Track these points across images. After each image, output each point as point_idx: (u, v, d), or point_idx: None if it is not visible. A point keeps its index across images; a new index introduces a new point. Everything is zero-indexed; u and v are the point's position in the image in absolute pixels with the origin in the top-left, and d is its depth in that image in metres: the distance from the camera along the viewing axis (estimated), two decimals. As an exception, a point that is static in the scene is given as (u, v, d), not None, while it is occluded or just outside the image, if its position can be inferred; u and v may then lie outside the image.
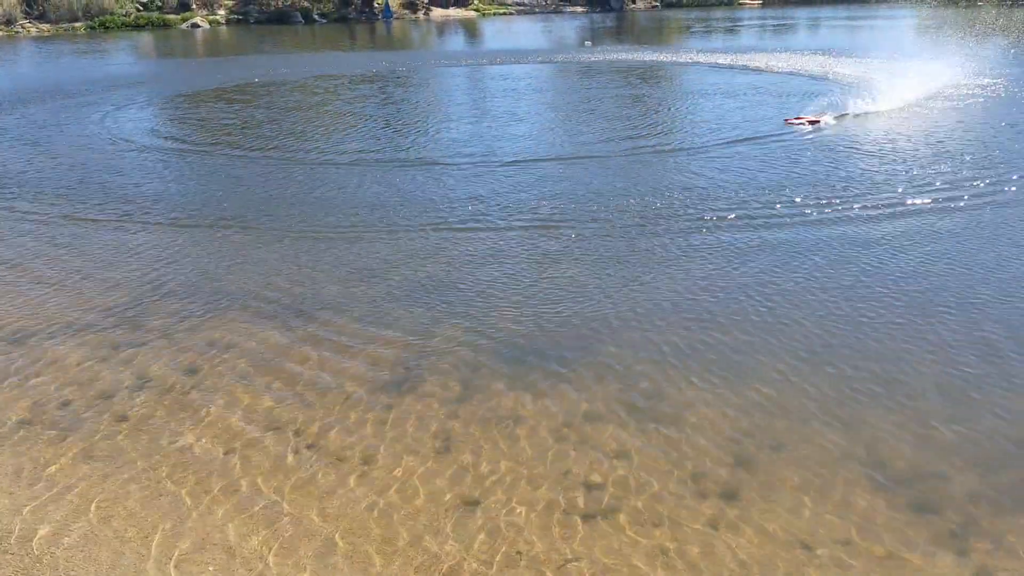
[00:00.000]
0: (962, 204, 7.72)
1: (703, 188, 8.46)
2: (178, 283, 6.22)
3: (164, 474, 3.90)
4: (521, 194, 8.46)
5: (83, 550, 3.39)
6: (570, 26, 39.99)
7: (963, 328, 5.17)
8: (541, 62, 22.24)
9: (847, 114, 12.33)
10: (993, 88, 14.65)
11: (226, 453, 4.06)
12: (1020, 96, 13.86)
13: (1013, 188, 8.15)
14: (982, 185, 8.27)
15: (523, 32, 36.56)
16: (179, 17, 37.27)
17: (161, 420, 4.37)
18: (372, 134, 12.34)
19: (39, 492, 3.78)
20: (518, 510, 3.59)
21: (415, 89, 17.86)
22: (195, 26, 36.58)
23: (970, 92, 14.20)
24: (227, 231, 7.50)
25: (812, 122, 11.69)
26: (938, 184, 8.34)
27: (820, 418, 4.25)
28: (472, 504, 3.64)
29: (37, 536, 3.48)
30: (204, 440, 4.17)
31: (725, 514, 3.54)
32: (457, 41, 33.35)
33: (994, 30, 28.83)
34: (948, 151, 9.78)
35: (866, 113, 12.44)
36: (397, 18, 44.40)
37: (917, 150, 9.88)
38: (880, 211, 7.57)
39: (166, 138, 12.31)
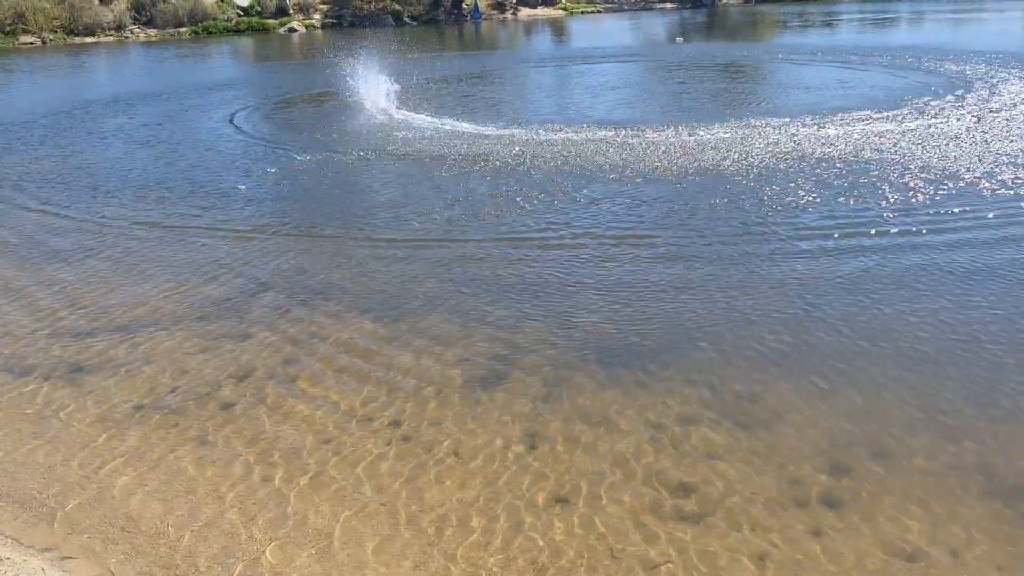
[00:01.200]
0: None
1: (802, 194, 8.23)
2: (279, 281, 6.44)
3: (266, 460, 4.05)
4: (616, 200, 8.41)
5: (194, 531, 3.56)
6: (660, 22, 39.48)
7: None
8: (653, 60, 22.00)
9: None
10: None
11: (324, 442, 4.19)
12: None
13: None
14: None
15: (615, 30, 36.29)
16: (277, 22, 38.54)
17: (262, 409, 4.54)
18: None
19: (151, 475, 3.98)
20: (609, 509, 3.58)
21: (517, 86, 17.94)
22: (292, 30, 37.76)
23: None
24: (322, 235, 7.72)
25: None
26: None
27: (926, 427, 4.08)
28: (562, 501, 3.65)
29: (154, 518, 3.67)
30: (302, 429, 4.31)
31: (825, 521, 3.44)
32: (549, 40, 33.37)
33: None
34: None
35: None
36: (485, 18, 44.76)
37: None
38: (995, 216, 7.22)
39: (281, 139, 12.72)
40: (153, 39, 35.10)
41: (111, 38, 34.43)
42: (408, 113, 13.95)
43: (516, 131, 11.94)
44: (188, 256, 7.06)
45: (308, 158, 10.80)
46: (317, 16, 40.78)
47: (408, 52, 23.12)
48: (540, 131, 11.82)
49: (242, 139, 12.60)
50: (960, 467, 3.76)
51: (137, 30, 35.84)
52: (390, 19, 40.94)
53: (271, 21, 38.79)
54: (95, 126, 14.12)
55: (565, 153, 10.29)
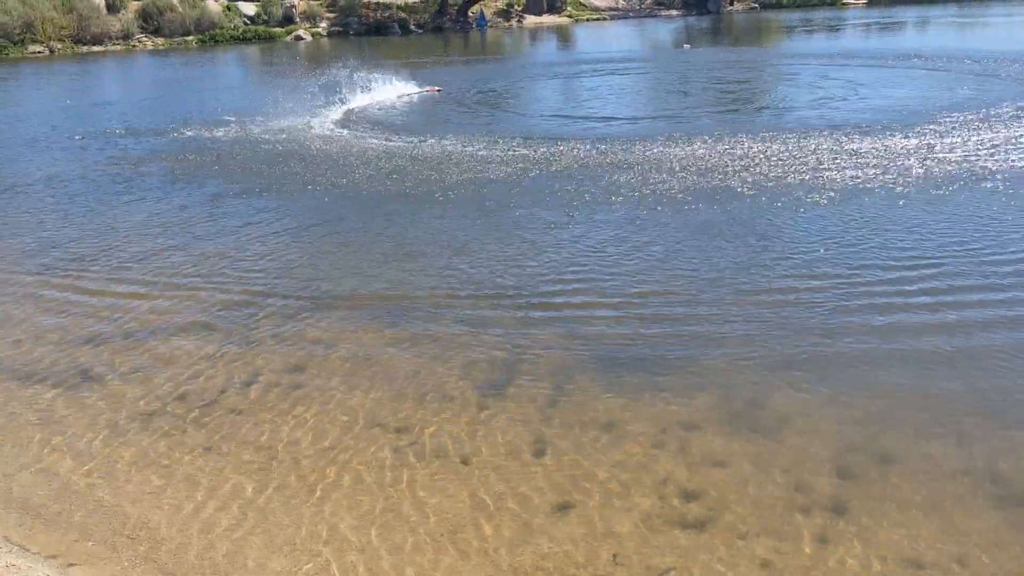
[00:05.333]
0: None
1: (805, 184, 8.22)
2: (284, 286, 6.45)
3: (274, 467, 4.06)
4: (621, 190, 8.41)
5: (201, 539, 3.56)
6: (666, 29, 39.53)
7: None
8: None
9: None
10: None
11: (330, 448, 4.19)
12: None
13: None
14: None
15: (622, 36, 36.35)
16: (284, 30, 38.71)
17: (269, 416, 4.54)
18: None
19: (157, 482, 3.99)
20: (614, 516, 3.57)
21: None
22: (298, 38, 37.93)
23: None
24: (327, 237, 7.74)
25: None
26: None
27: (933, 431, 4.07)
28: (567, 507, 3.64)
29: (160, 525, 3.68)
30: (309, 435, 4.32)
31: (830, 527, 3.43)
32: (556, 47, 33.44)
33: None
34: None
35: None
36: (491, 26, 44.88)
37: None
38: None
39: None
40: (160, 48, 35.28)
41: (119, 47, 34.62)
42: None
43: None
44: (196, 257, 7.08)
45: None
46: (323, 24, 40.95)
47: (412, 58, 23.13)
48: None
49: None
50: (969, 472, 3.74)
51: (144, 39, 36.02)
52: (396, 27, 41.07)
53: (277, 30, 38.95)
54: None
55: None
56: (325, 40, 38.32)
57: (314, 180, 9.90)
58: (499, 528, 3.54)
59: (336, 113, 14.97)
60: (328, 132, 13.27)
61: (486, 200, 8.66)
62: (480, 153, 11.06)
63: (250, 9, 39.59)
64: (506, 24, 45.80)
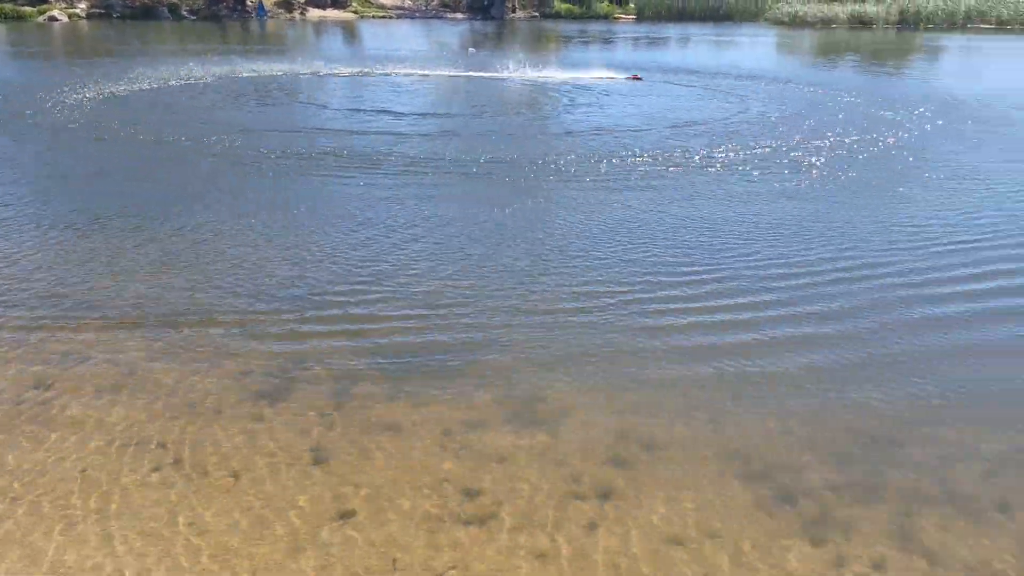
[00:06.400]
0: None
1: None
2: (29, 293, 5.79)
3: (15, 494, 3.61)
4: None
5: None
6: (451, 32, 40.04)
7: (835, 330, 5.48)
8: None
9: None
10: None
11: (82, 470, 3.80)
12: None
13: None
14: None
15: (410, 36, 36.31)
16: (35, 9, 34.91)
17: (10, 438, 4.04)
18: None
19: None
20: (395, 520, 3.53)
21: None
22: (53, 19, 34.37)
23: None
24: (79, 234, 7.06)
25: None
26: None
27: (691, 417, 4.40)
28: (347, 516, 3.55)
29: None
30: (55, 458, 3.89)
31: (601, 513, 3.60)
32: (344, 44, 32.75)
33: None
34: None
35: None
36: (271, 17, 43.20)
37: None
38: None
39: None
40: None
41: None
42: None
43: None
44: (-84, 268, 6.17)
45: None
46: (83, 5, 37.44)
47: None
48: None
49: None
50: (722, 453, 4.08)
51: None
52: (166, 12, 38.39)
53: (28, 9, 35.10)
54: None
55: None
56: (84, 23, 35.02)
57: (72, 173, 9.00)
58: (275, 542, 3.38)
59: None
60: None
61: (254, 203, 8.30)
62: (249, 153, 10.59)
63: (-7, -17, 35.49)
64: (288, 16, 44.30)
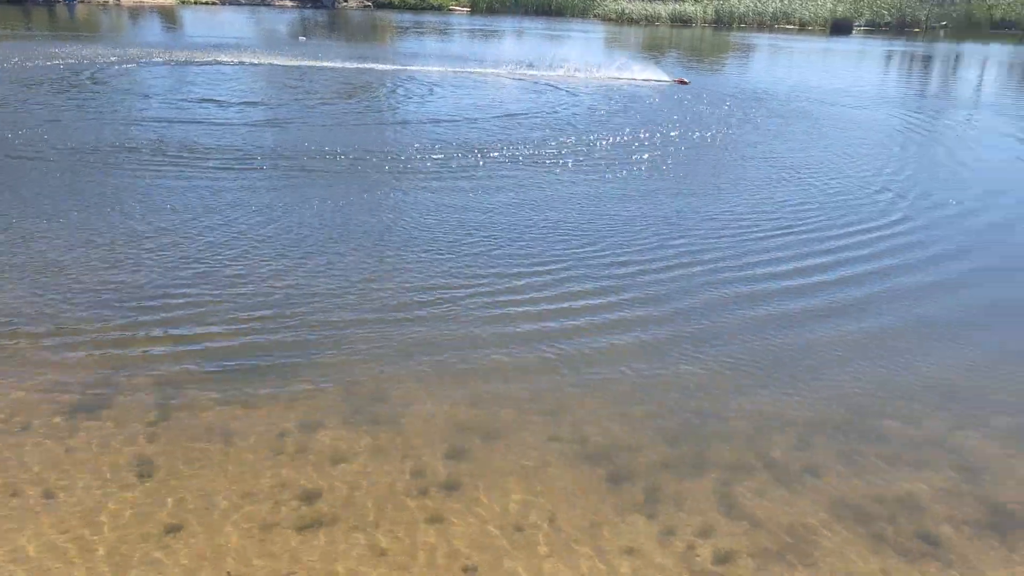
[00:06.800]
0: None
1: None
2: None
3: None
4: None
5: None
6: (281, 20, 38.65)
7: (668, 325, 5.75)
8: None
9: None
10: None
11: None
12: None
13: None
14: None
15: (237, 23, 34.64)
16: None
17: None
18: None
19: None
20: (228, 530, 3.37)
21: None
22: None
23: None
24: None
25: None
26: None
27: (531, 406, 4.48)
28: (175, 530, 3.36)
29: None
30: None
31: (444, 506, 3.60)
32: (163, 32, 30.80)
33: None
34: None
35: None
36: (82, 1, 40.00)
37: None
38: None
39: None
40: None
41: None
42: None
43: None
44: None
45: None
46: None
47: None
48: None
49: None
50: (559, 438, 4.19)
51: None
52: (-43, -8, 34.74)
53: None
54: None
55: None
56: None
57: None
58: (96, 564, 3.15)
59: None
60: None
61: (67, 202, 7.69)
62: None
63: None
64: (100, 1, 41.21)
